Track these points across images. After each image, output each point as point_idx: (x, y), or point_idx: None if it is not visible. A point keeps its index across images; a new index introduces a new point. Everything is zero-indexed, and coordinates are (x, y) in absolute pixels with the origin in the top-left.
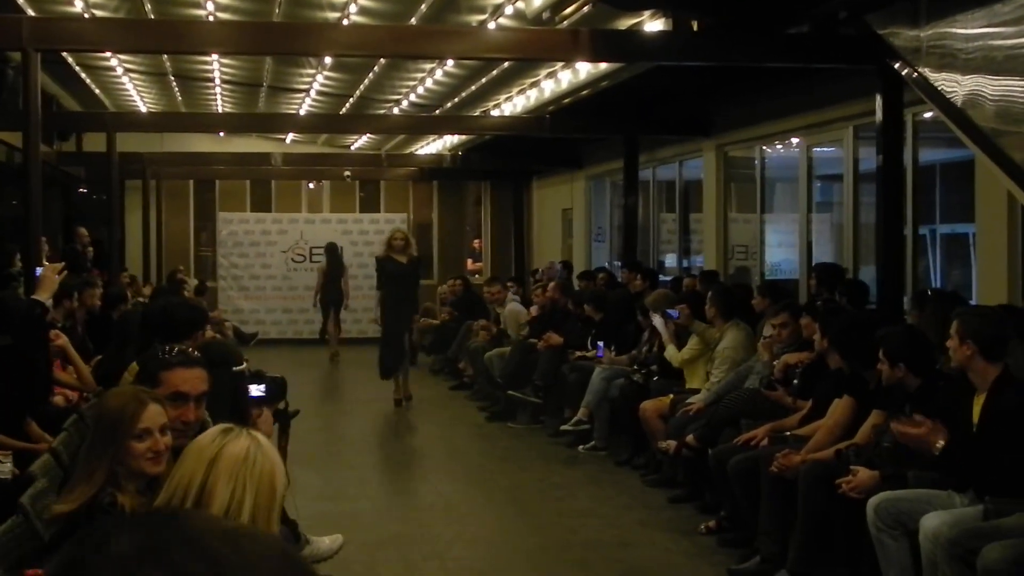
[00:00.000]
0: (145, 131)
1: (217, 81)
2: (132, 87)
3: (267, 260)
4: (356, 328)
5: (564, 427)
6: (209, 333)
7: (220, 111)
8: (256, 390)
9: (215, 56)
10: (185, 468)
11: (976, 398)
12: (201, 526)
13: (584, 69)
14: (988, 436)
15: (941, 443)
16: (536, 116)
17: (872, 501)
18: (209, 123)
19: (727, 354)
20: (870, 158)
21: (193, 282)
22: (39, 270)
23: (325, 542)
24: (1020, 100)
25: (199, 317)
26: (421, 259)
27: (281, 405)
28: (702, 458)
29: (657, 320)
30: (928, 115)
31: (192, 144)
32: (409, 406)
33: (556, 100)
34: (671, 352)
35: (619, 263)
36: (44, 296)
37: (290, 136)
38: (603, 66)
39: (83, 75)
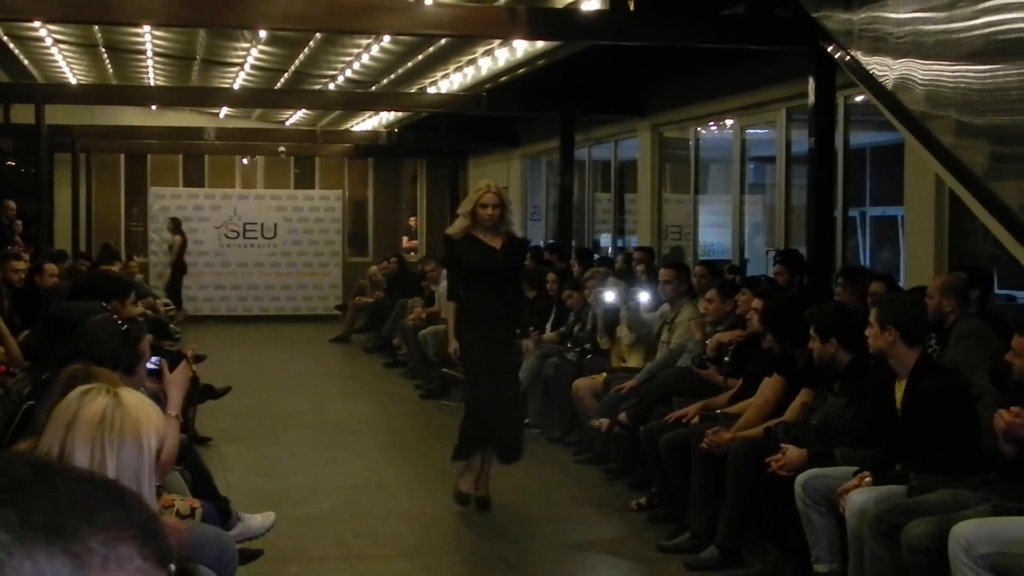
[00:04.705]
0: (75, 103)
1: (149, 53)
2: (62, 58)
3: (200, 236)
4: (273, 305)
5: None
6: (139, 308)
7: (152, 84)
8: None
9: (147, 27)
10: (47, 436)
11: (897, 383)
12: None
13: (521, 47)
14: (912, 420)
15: None
16: (472, 94)
17: (800, 478)
18: (141, 96)
19: (692, 324)
20: (802, 140)
21: (124, 260)
22: None
23: (257, 519)
24: (949, 85)
25: (120, 287)
26: (528, 243)
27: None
28: (634, 436)
29: (609, 295)
30: (860, 98)
31: (123, 117)
32: (486, 513)
33: (493, 78)
34: (624, 332)
35: (551, 242)
36: None
37: (224, 110)
38: (540, 44)
39: (11, 46)
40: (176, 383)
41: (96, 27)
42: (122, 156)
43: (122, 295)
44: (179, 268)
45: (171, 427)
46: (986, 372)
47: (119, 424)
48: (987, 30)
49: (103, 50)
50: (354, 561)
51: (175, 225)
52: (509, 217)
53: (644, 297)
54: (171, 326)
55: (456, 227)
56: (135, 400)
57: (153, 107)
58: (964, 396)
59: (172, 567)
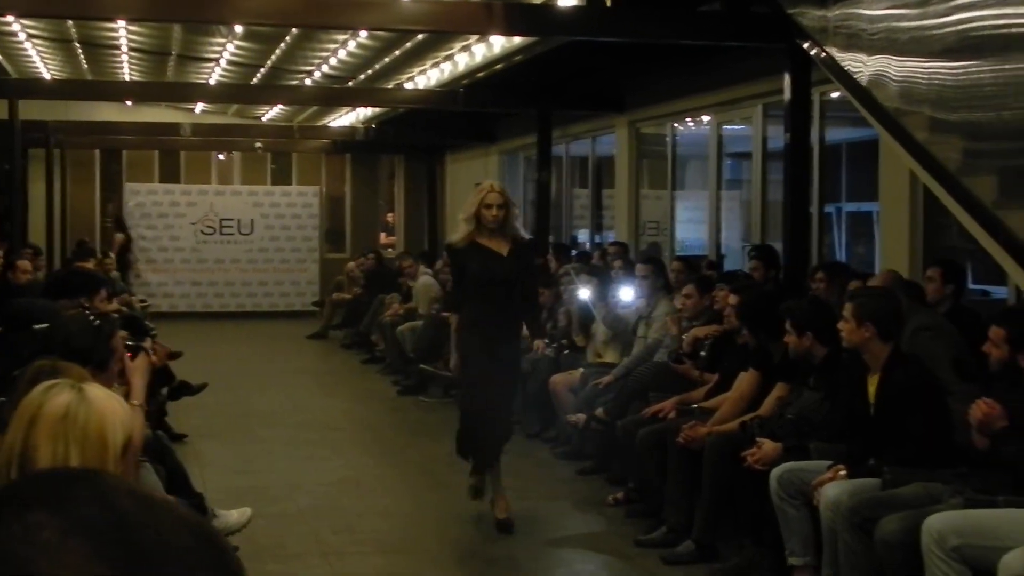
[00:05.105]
0: (49, 98)
1: (124, 49)
2: (35, 53)
3: (176, 232)
4: (250, 301)
5: None
6: (113, 305)
7: (127, 79)
8: None
9: (122, 23)
10: (10, 432)
11: (870, 378)
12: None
13: (498, 43)
14: (885, 413)
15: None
16: (450, 90)
17: (775, 472)
18: (116, 91)
19: (669, 319)
20: (778, 136)
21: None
22: None
23: (233, 516)
24: (923, 81)
25: (90, 283)
26: (535, 244)
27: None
28: (611, 430)
29: (583, 292)
30: (835, 95)
31: (98, 113)
32: (465, 510)
33: (470, 74)
34: (600, 328)
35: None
36: None
37: (200, 106)
38: (517, 40)
39: None
40: (138, 371)
41: (70, 22)
42: (97, 152)
43: (92, 291)
44: (123, 265)
45: (135, 416)
46: (948, 363)
47: (83, 419)
48: (960, 27)
49: (77, 45)
50: (332, 558)
51: (117, 223)
52: (514, 216)
53: (628, 295)
54: (146, 322)
55: (459, 235)
56: (100, 395)
57: (128, 103)
58: (936, 390)
59: None
